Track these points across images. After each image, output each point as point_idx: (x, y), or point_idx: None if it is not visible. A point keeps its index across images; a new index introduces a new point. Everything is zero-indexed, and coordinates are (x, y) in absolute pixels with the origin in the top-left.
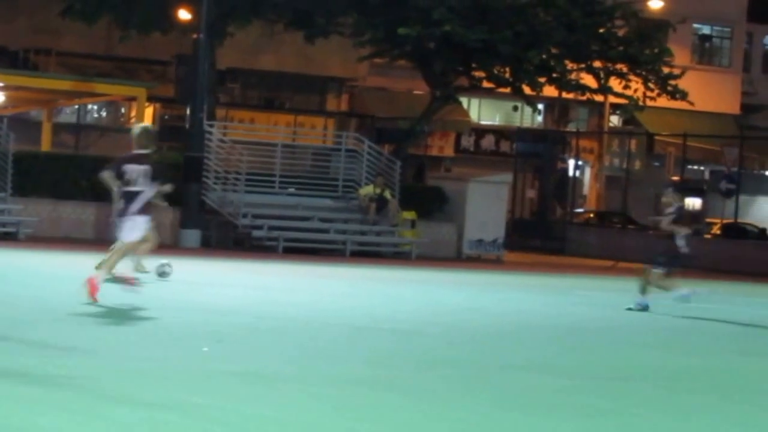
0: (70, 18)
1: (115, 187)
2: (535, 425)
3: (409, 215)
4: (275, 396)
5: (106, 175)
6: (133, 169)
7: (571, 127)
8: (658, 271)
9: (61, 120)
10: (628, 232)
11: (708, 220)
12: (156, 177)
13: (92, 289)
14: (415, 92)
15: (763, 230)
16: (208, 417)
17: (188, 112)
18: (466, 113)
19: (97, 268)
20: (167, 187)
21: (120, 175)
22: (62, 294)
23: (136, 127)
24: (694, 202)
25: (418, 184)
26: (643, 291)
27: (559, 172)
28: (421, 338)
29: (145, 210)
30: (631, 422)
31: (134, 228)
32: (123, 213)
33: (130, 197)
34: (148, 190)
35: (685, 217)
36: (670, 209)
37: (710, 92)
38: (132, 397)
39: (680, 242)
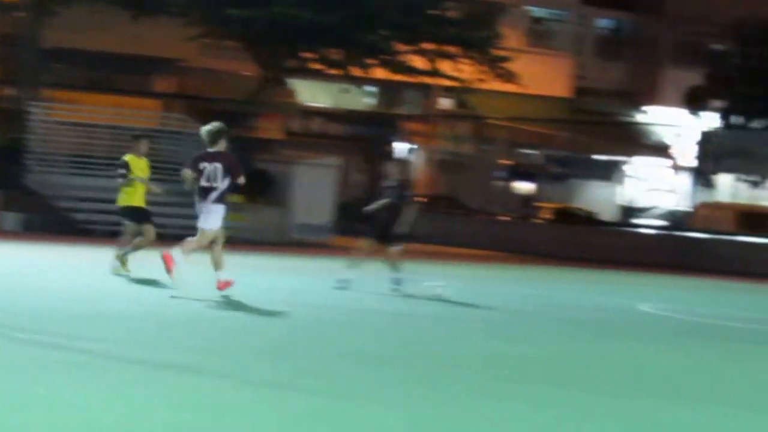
0: None
1: (190, 183)
2: (364, 415)
3: (236, 199)
4: (98, 383)
5: (187, 174)
6: (206, 167)
7: (402, 111)
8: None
9: None
10: (457, 216)
11: (540, 204)
12: (228, 172)
13: (169, 262)
14: (245, 74)
15: (590, 214)
16: (21, 404)
17: (11, 92)
18: (295, 95)
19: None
20: (241, 181)
21: (197, 172)
22: None
23: (206, 127)
24: (526, 186)
25: (245, 166)
26: (353, 267)
27: (389, 155)
28: (248, 327)
29: (220, 201)
30: (457, 411)
31: (213, 217)
32: (200, 205)
33: (205, 192)
34: (222, 185)
35: (409, 194)
36: (391, 182)
37: (543, 76)
38: None
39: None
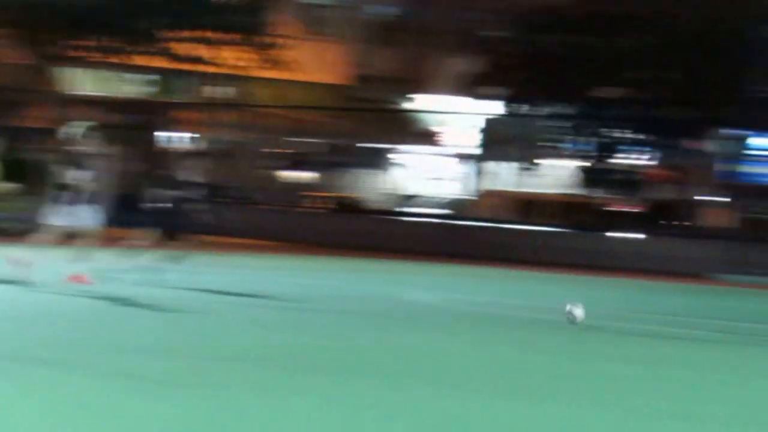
0: None
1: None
2: (135, 409)
3: (7, 191)
4: None
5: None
6: (73, 165)
7: (177, 99)
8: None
9: None
10: (231, 206)
11: (314, 193)
12: (83, 168)
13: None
14: (18, 61)
15: (364, 202)
16: None
17: None
18: (65, 83)
19: None
20: (87, 177)
21: (60, 169)
22: None
23: (71, 126)
24: (301, 175)
25: (14, 157)
26: (126, 257)
27: (161, 143)
28: (18, 319)
29: (90, 200)
30: (234, 403)
31: (90, 215)
32: (59, 203)
33: (70, 191)
34: (89, 185)
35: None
36: (187, 177)
37: (319, 63)
38: None
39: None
